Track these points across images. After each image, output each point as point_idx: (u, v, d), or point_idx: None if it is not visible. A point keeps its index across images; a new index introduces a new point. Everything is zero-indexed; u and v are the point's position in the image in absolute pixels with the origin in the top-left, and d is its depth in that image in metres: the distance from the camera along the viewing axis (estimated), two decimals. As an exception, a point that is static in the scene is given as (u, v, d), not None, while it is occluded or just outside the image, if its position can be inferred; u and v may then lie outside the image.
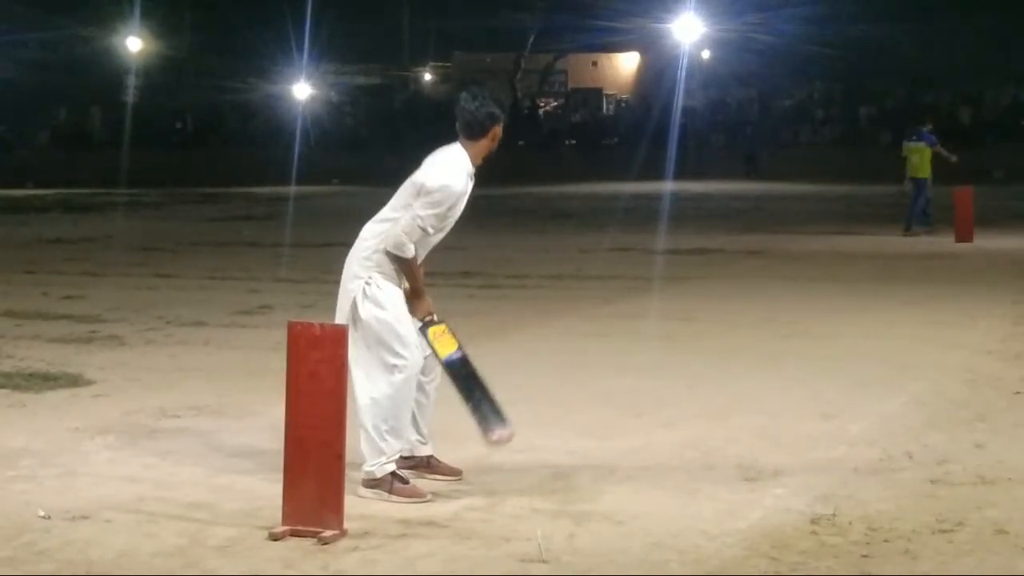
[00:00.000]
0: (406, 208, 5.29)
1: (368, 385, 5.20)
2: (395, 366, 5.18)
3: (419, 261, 5.36)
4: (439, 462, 5.51)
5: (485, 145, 5.40)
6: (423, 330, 5.34)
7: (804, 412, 6.77)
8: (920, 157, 18.59)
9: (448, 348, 5.34)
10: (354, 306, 5.26)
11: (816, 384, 7.51)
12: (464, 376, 5.36)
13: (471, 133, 5.37)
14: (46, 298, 11.68)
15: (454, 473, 5.49)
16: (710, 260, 15.27)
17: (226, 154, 41.97)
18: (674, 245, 16.72)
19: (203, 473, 5.59)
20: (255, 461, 5.73)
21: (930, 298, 11.34)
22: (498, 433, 5.32)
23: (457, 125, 5.41)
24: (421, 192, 5.24)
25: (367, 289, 5.26)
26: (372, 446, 5.21)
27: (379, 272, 5.29)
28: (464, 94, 5.44)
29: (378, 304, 5.24)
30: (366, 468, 5.22)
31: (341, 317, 5.27)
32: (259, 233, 19.57)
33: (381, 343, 5.20)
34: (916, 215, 18.47)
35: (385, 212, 5.37)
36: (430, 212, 5.23)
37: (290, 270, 14.22)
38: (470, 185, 5.38)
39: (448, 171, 5.27)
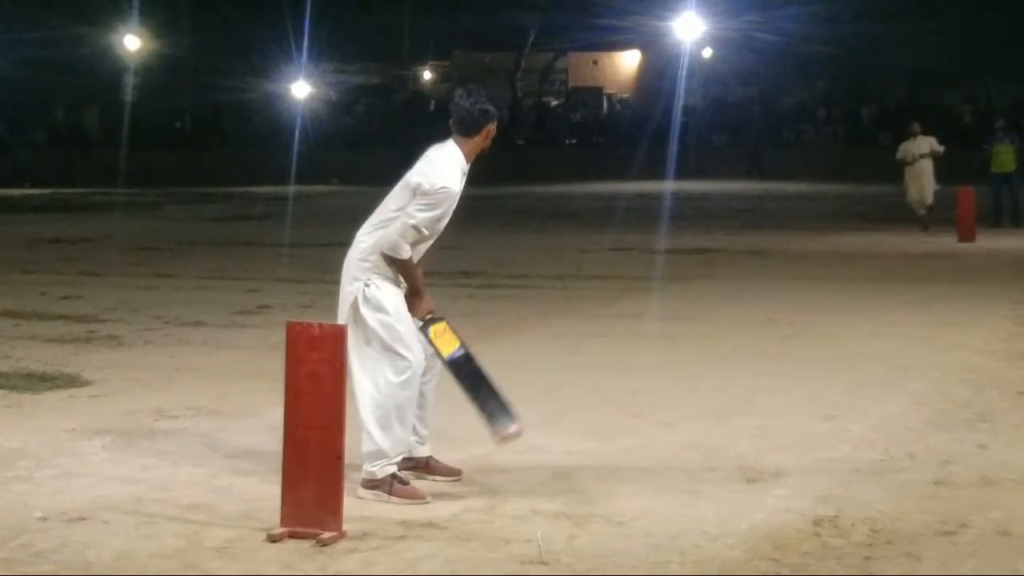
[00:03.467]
0: (401, 210, 5.27)
1: (371, 386, 5.18)
2: (398, 367, 5.17)
3: (416, 260, 5.35)
4: (438, 463, 5.49)
5: (478, 143, 5.39)
6: (424, 329, 5.31)
7: (805, 412, 6.75)
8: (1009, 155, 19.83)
9: (451, 346, 5.32)
10: (355, 308, 5.24)
11: (817, 384, 7.49)
12: (468, 374, 5.34)
13: (465, 130, 5.36)
14: (44, 298, 11.66)
15: (453, 473, 5.47)
16: (710, 260, 15.24)
17: (225, 154, 41.93)
18: (674, 245, 16.70)
19: (202, 474, 5.57)
20: (254, 462, 5.71)
21: (932, 298, 11.32)
22: (507, 430, 5.30)
23: (451, 122, 5.40)
24: (418, 193, 5.22)
25: (366, 291, 5.24)
26: (374, 447, 5.19)
27: (377, 274, 5.27)
28: (459, 91, 5.44)
29: (378, 306, 5.22)
30: (367, 469, 5.20)
31: (342, 320, 5.25)
32: (259, 233, 19.55)
33: (383, 344, 5.19)
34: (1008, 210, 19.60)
35: (380, 214, 5.35)
36: (427, 214, 5.21)
37: (290, 270, 14.20)
38: (463, 183, 5.37)
39: (445, 172, 5.25)
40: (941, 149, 18.94)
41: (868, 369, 7.95)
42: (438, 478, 5.43)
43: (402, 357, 5.17)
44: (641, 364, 8.24)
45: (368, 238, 5.33)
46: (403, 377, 5.17)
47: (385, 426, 5.17)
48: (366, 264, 5.29)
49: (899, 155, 19.17)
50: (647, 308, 11.11)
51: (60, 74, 41.21)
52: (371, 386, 5.18)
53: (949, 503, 5.08)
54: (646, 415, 6.74)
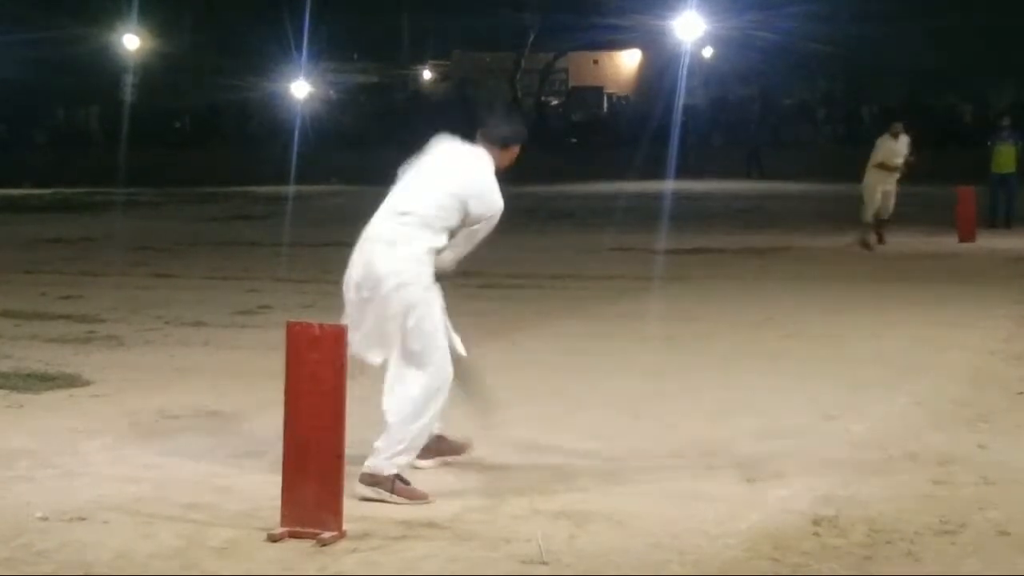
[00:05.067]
0: (445, 211, 5.26)
1: (411, 388, 5.18)
2: (439, 373, 5.21)
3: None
4: (446, 440, 5.56)
5: (507, 158, 5.45)
6: None
7: (805, 412, 6.75)
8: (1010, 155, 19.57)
9: None
10: (408, 309, 5.18)
11: (817, 384, 7.49)
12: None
13: (506, 141, 5.42)
14: (44, 298, 11.66)
15: (463, 448, 5.53)
16: (710, 260, 15.24)
17: (225, 153, 41.93)
18: (674, 245, 16.69)
19: (202, 474, 5.57)
20: (254, 462, 5.70)
21: (932, 298, 11.32)
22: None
23: (487, 130, 5.40)
24: (482, 220, 5.31)
25: (417, 293, 5.20)
26: (393, 445, 5.17)
27: (427, 273, 5.25)
28: (501, 104, 5.53)
29: (428, 312, 5.22)
30: (373, 463, 5.13)
31: (378, 319, 5.20)
32: (259, 233, 19.55)
33: (425, 349, 5.19)
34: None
35: (410, 204, 5.29)
36: (485, 234, 5.36)
37: (290, 270, 14.19)
38: None
39: (496, 191, 5.34)
40: (911, 157, 16.24)
41: (868, 369, 7.95)
42: (448, 458, 5.50)
43: (439, 366, 5.20)
44: (641, 364, 8.23)
45: (410, 230, 5.23)
46: (440, 382, 5.21)
47: (411, 426, 5.18)
48: (419, 264, 5.22)
49: (879, 158, 16.12)
50: (647, 308, 11.10)
51: (60, 74, 41.24)
52: (411, 388, 5.18)
53: (949, 503, 5.08)
54: (646, 415, 6.74)
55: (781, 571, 4.35)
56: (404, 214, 5.28)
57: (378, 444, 5.19)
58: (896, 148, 16.18)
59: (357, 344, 5.12)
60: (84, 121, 46.83)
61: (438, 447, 5.54)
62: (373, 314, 5.21)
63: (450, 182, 5.30)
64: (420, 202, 5.29)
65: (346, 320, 5.22)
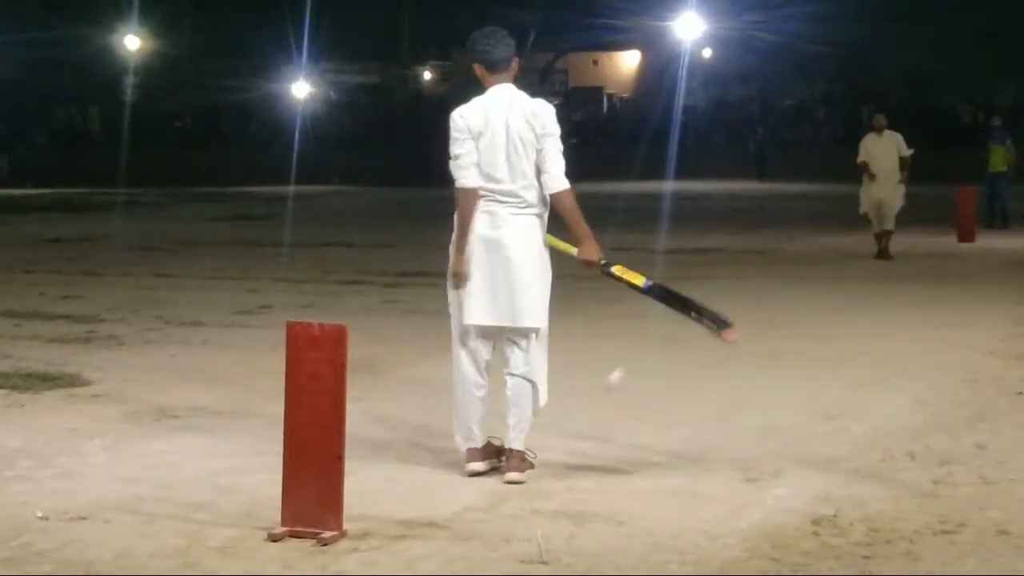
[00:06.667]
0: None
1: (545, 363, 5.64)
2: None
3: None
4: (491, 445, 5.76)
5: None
6: (606, 270, 5.89)
7: (805, 412, 6.76)
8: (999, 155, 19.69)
9: (639, 277, 5.90)
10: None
11: (817, 384, 7.50)
12: (669, 297, 5.91)
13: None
14: (44, 298, 11.67)
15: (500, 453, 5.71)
16: (710, 260, 15.25)
17: (225, 153, 41.96)
18: (674, 245, 16.70)
19: (203, 473, 5.58)
20: (255, 461, 5.71)
21: (931, 298, 11.34)
22: (729, 333, 5.78)
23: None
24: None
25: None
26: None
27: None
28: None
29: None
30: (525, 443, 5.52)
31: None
32: (259, 233, 19.55)
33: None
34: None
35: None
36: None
37: (290, 270, 14.18)
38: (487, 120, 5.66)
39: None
40: (908, 153, 14.69)
41: (868, 369, 7.96)
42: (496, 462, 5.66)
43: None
44: (641, 364, 8.23)
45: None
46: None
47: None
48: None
49: (860, 157, 14.83)
50: (647, 308, 11.04)
51: (60, 74, 41.25)
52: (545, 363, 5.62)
53: (948, 503, 5.09)
54: (646, 415, 6.75)
55: (781, 570, 4.35)
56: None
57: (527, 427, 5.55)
58: (882, 145, 14.72)
59: None
60: (85, 121, 46.80)
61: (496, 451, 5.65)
62: None
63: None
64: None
65: None
